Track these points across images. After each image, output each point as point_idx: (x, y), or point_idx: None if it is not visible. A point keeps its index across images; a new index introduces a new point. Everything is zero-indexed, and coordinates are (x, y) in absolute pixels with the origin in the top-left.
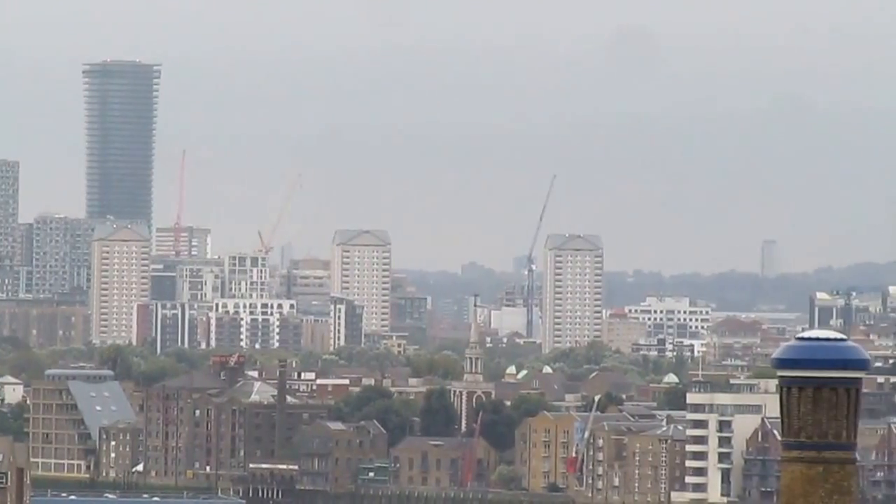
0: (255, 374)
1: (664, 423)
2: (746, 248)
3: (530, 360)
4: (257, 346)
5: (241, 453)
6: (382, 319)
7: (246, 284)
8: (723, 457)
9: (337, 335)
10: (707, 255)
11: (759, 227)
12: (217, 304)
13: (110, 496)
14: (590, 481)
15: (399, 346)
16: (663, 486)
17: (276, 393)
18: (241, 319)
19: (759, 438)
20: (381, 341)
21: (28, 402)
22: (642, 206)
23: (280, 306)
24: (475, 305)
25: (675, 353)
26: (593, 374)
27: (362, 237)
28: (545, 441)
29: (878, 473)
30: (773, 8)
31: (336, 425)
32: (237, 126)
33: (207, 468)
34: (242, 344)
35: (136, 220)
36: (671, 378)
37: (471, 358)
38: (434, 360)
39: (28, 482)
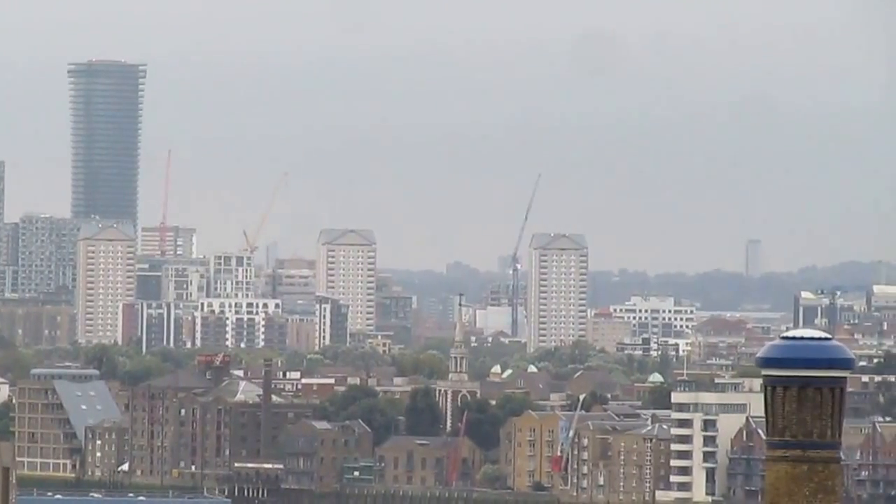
0: (240, 373)
1: (649, 422)
2: (731, 247)
3: (515, 359)
4: (243, 345)
5: (227, 452)
6: (367, 319)
7: (231, 284)
8: (707, 456)
9: (322, 334)
10: (692, 254)
11: (743, 226)
12: (202, 304)
13: (96, 495)
14: (575, 480)
15: (384, 345)
16: (648, 485)
17: (261, 392)
18: (227, 319)
19: (744, 437)
20: (367, 341)
21: (14, 401)
22: (627, 205)
23: (265, 306)
24: (460, 305)
25: (659, 353)
26: (578, 374)
27: (347, 237)
28: (530, 440)
29: (863, 472)
30: (758, 8)
31: (321, 424)
32: (223, 126)
33: (193, 467)
34: (228, 343)
35: (122, 219)
36: (656, 377)
37: (456, 357)
38: (419, 359)
39: (14, 481)
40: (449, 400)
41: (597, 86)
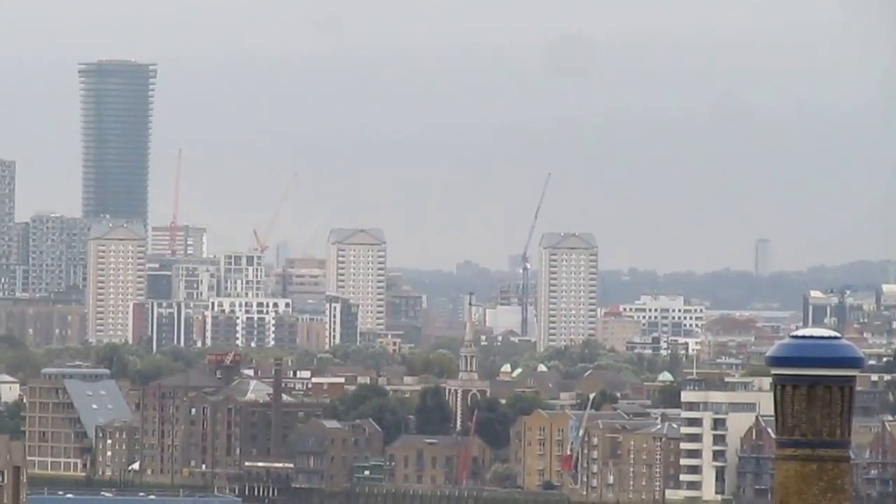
0: (250, 372)
1: (658, 421)
2: (740, 246)
3: (525, 358)
4: (253, 344)
5: (237, 451)
6: (378, 318)
7: (241, 283)
8: (717, 455)
9: (332, 334)
10: (701, 253)
11: (752, 225)
12: (213, 303)
13: (107, 494)
14: (584, 479)
15: (394, 344)
16: (658, 483)
17: (271, 391)
18: (237, 318)
19: (754, 436)
20: (377, 340)
21: (24, 400)
22: (637, 205)
23: (276, 305)
24: (470, 304)
25: (669, 352)
26: (588, 373)
27: (357, 236)
28: (540, 439)
29: (872, 471)
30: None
31: (331, 423)
32: (233, 125)
33: (203, 466)
34: (238, 342)
35: (132, 219)
36: (665, 376)
37: (466, 356)
38: (429, 358)
39: (24, 481)
40: (459, 399)
41: (610, 84)
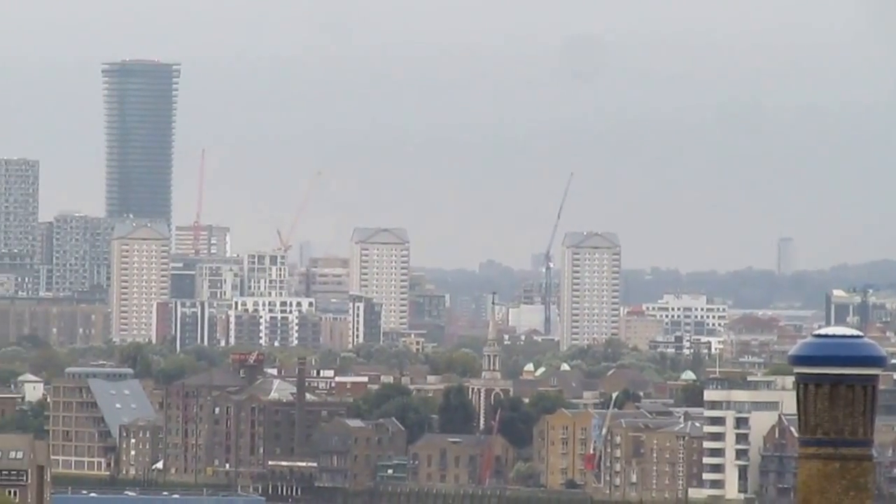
0: (274, 371)
1: (681, 420)
2: (763, 245)
3: (548, 357)
4: (276, 343)
5: (261, 451)
6: (401, 317)
7: (265, 282)
8: (740, 454)
9: (356, 333)
10: (724, 252)
11: (775, 224)
12: (236, 302)
13: (130, 494)
14: (607, 478)
15: (417, 343)
16: (681, 482)
17: (295, 390)
18: (261, 317)
19: (776, 435)
20: (400, 339)
21: (48, 400)
22: (660, 204)
23: (299, 304)
24: (493, 303)
25: (692, 351)
26: (611, 372)
27: (381, 235)
28: (563, 438)
29: (895, 470)
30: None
31: (355, 423)
32: (256, 125)
33: (227, 465)
34: (261, 342)
35: (156, 218)
36: (688, 375)
37: (489, 355)
38: (452, 357)
39: (48, 480)
40: (482, 398)
41: (633, 85)
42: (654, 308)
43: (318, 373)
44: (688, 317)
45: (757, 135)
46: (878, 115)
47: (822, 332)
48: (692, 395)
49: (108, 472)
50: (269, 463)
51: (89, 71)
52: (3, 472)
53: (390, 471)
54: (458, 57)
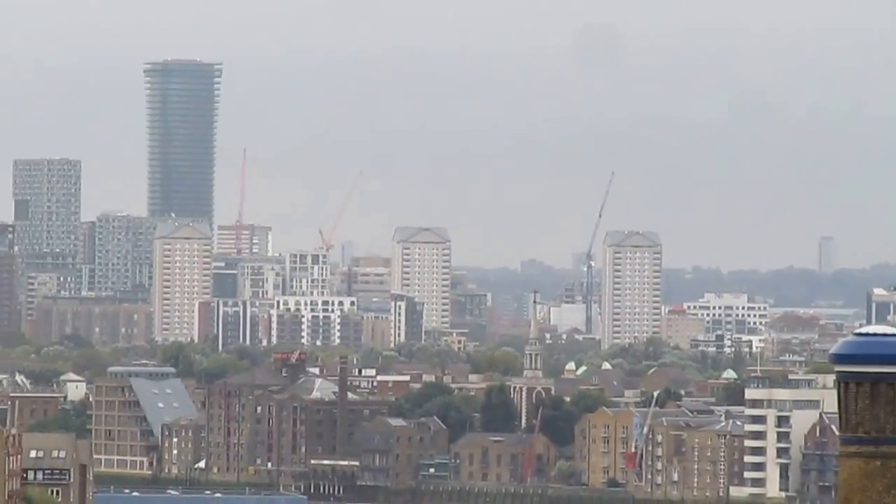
0: (316, 370)
1: (722, 418)
2: (804, 244)
3: (589, 356)
4: (318, 342)
5: (303, 449)
6: (443, 316)
7: (307, 282)
8: (781, 452)
9: (397, 332)
10: (765, 251)
11: (816, 223)
12: (278, 302)
13: (173, 492)
14: (649, 476)
15: (459, 342)
16: (722, 481)
17: (337, 389)
18: (303, 316)
19: (817, 433)
20: (442, 338)
21: (91, 399)
22: (701, 203)
23: (341, 303)
24: (535, 302)
25: (733, 349)
26: (652, 370)
27: (422, 234)
28: (604, 437)
29: None
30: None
31: (397, 421)
32: (298, 124)
33: (269, 464)
34: (303, 341)
35: (198, 218)
36: (729, 374)
37: (530, 354)
38: (494, 356)
39: (91, 479)
40: (524, 397)
41: (666, 84)
42: (695, 307)
43: (360, 372)
44: (729, 315)
45: (799, 135)
46: None
47: (863, 330)
48: (733, 394)
49: (150, 472)
50: (311, 462)
51: (131, 71)
52: (46, 471)
53: (432, 469)
54: (498, 57)
